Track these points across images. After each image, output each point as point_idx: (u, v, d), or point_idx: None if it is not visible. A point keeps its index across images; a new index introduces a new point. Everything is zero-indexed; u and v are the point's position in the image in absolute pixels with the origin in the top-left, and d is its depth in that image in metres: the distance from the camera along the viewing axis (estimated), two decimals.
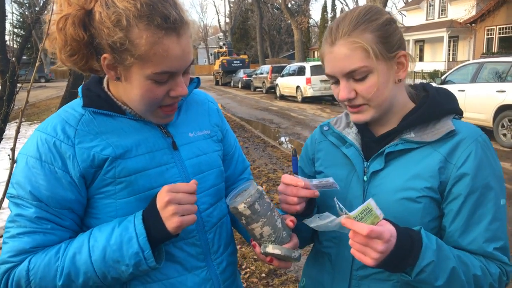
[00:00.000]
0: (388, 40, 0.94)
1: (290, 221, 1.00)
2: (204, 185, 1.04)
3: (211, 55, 46.37)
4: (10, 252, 0.89)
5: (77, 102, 1.01)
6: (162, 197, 0.89)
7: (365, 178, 1.01)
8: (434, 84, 1.11)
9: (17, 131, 0.55)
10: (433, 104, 1.00)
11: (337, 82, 0.99)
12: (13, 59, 2.21)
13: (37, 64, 0.62)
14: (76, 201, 0.93)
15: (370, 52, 0.92)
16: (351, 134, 1.09)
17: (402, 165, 0.97)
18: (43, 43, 0.74)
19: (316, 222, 0.91)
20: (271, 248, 0.96)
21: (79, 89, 1.02)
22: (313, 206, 1.06)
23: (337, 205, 0.86)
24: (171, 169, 0.99)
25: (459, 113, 1.02)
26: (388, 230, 0.81)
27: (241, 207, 0.92)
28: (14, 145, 0.56)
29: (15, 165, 0.96)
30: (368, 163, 1.02)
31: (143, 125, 0.99)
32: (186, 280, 1.00)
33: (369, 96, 0.95)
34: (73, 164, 0.91)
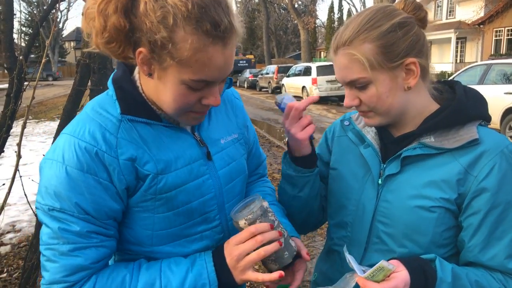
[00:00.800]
0: (391, 48, 0.89)
1: (306, 254, 0.99)
2: (233, 193, 1.03)
3: None
4: (64, 272, 0.83)
5: (109, 102, 0.91)
6: (230, 252, 0.89)
7: (379, 181, 0.99)
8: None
9: (23, 127, 0.55)
10: (458, 108, 0.93)
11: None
12: (21, 57, 2.23)
13: (43, 61, 0.62)
14: (120, 210, 0.90)
15: (368, 63, 0.89)
16: (370, 133, 1.06)
17: (419, 171, 0.94)
18: (48, 41, 0.73)
19: None
20: (274, 268, 0.95)
21: (109, 84, 0.94)
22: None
23: (347, 258, 0.86)
24: (207, 181, 0.96)
25: (486, 119, 0.96)
26: (402, 280, 0.81)
27: (242, 223, 0.90)
28: (20, 141, 0.56)
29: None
30: (385, 166, 0.99)
31: (179, 133, 0.95)
32: None
33: (372, 104, 0.94)
34: (118, 177, 0.87)
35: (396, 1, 1.00)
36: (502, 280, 0.89)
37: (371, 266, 0.87)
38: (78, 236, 0.84)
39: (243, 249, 0.88)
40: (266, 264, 0.96)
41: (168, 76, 0.82)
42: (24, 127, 0.51)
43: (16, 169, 0.50)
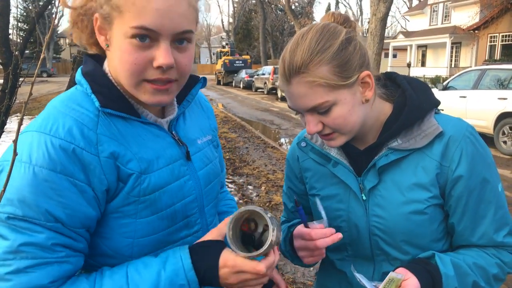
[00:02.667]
0: (346, 66, 0.87)
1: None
2: (212, 196, 1.00)
3: (213, 54, 46.39)
4: None
5: (82, 97, 0.85)
6: (227, 277, 0.82)
7: (363, 197, 0.97)
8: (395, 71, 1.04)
9: (20, 124, 0.54)
10: (413, 105, 0.94)
11: (301, 113, 0.94)
12: (16, 52, 2.21)
13: (41, 56, 0.61)
14: (96, 218, 0.81)
15: (328, 86, 0.86)
16: (333, 150, 1.02)
17: (398, 176, 0.94)
18: (48, 36, 0.72)
19: None
20: None
21: (80, 77, 0.87)
22: None
23: (357, 278, 0.88)
24: (188, 182, 0.91)
25: (437, 105, 0.97)
26: (414, 286, 0.84)
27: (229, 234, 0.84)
28: (16, 138, 0.55)
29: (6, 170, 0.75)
30: (362, 179, 0.98)
31: (157, 131, 0.90)
32: None
33: (338, 126, 0.91)
34: (99, 177, 0.79)
35: (322, 16, 0.98)
36: (496, 253, 0.94)
37: (381, 279, 0.88)
38: (40, 250, 0.72)
39: (245, 279, 0.82)
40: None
41: (114, 34, 0.80)
42: (20, 123, 0.51)
43: (12, 167, 0.50)
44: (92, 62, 0.89)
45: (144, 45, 0.78)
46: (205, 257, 0.83)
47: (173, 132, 0.94)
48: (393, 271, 0.88)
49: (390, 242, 0.96)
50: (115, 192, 0.82)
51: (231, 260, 0.81)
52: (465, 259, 0.91)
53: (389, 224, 0.94)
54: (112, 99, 0.84)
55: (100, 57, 0.92)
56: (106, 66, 0.90)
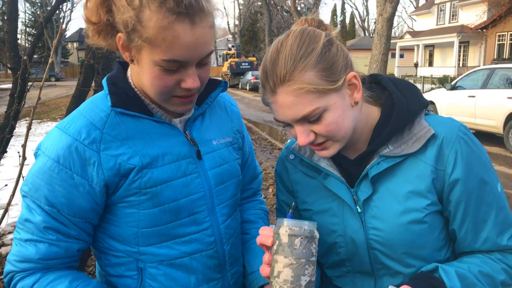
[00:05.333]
0: (332, 69, 0.83)
1: None
2: (224, 196, 1.01)
3: (219, 57, 46.57)
4: (16, 256, 0.89)
5: (102, 98, 0.94)
6: None
7: (358, 209, 0.92)
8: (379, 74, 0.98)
9: (29, 128, 0.55)
10: (402, 109, 0.90)
11: (290, 125, 0.89)
12: (25, 57, 2.23)
13: (50, 60, 0.61)
14: (91, 210, 0.90)
15: (317, 92, 0.82)
16: (323, 161, 0.97)
17: (393, 184, 0.90)
18: (56, 40, 0.73)
19: None
20: None
21: (104, 81, 0.96)
22: None
23: None
24: (196, 179, 0.95)
25: (427, 106, 0.93)
26: None
27: (283, 231, 0.80)
28: (25, 142, 0.56)
29: (28, 160, 0.92)
30: (355, 190, 0.93)
31: (169, 130, 0.95)
32: None
33: (331, 133, 0.86)
34: (97, 172, 0.87)
35: (296, 22, 0.95)
36: (501, 258, 0.89)
37: None
38: (36, 229, 0.87)
39: None
40: (272, 287, 0.82)
41: (143, 59, 0.83)
42: (29, 128, 0.51)
43: (21, 171, 0.50)
44: (118, 67, 0.98)
45: (173, 70, 0.84)
46: None
47: (187, 132, 0.98)
48: (395, 286, 0.84)
49: (390, 255, 0.91)
50: (118, 185, 0.90)
51: None
52: (470, 268, 0.87)
53: (388, 237, 0.89)
54: (125, 99, 0.91)
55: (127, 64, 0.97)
56: (129, 71, 0.97)
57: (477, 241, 0.89)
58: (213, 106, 1.08)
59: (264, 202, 1.29)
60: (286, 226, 0.80)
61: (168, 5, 0.77)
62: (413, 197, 0.88)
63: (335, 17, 54.60)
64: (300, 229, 0.79)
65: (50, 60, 0.60)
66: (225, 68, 32.43)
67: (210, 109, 1.07)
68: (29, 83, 2.23)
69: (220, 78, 1.05)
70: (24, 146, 0.54)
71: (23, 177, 1.69)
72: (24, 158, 0.52)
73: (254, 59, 31.69)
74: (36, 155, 0.91)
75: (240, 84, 28.67)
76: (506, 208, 0.91)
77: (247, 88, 26.46)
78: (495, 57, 21.20)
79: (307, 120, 0.85)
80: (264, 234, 0.85)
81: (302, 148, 1.01)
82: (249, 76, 26.71)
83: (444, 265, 0.87)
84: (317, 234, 0.82)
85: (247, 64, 30.06)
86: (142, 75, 0.87)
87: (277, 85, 0.83)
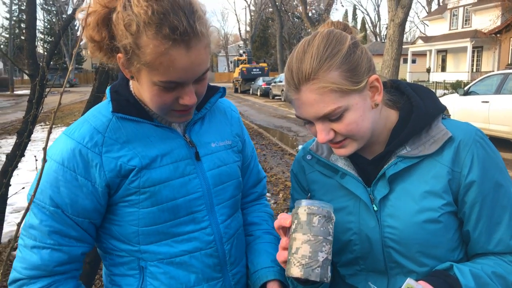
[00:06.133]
0: (356, 70, 0.86)
1: None
2: (223, 196, 1.05)
3: (231, 62, 46.76)
4: (22, 263, 0.91)
5: (105, 105, 1.00)
6: None
7: (374, 207, 0.94)
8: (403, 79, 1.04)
9: (49, 132, 0.58)
10: (421, 113, 0.93)
11: (311, 122, 0.92)
12: (43, 64, 2.30)
13: (70, 69, 0.65)
14: (94, 210, 0.94)
15: (340, 91, 0.85)
16: (340, 161, 1.00)
17: (409, 184, 0.92)
18: (76, 48, 0.76)
19: None
20: (296, 271, 0.82)
21: (107, 90, 1.02)
22: None
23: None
24: (194, 180, 0.99)
25: (444, 110, 0.96)
26: None
27: (301, 210, 0.84)
28: (46, 145, 0.59)
29: (37, 164, 0.94)
30: (371, 189, 0.95)
31: (169, 133, 1.00)
32: None
33: (351, 132, 0.89)
34: (100, 173, 0.92)
35: (321, 25, 0.97)
36: None
37: None
38: (39, 234, 0.90)
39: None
40: (290, 263, 0.84)
41: (142, 78, 0.88)
42: (50, 132, 0.55)
43: (41, 174, 0.54)
44: (121, 76, 1.02)
45: (171, 88, 0.88)
46: None
47: (186, 135, 1.02)
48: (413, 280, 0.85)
49: (404, 254, 0.92)
50: (119, 186, 0.94)
51: None
52: (484, 268, 0.88)
53: (403, 235, 0.91)
54: (125, 105, 0.97)
55: None
56: (131, 80, 1.01)
57: (490, 243, 0.91)
58: (212, 110, 1.12)
59: (269, 206, 1.31)
60: (305, 205, 0.84)
61: (164, 31, 0.80)
62: (429, 196, 0.90)
63: None
64: (318, 208, 0.83)
65: (70, 68, 0.63)
66: (236, 74, 32.61)
67: (210, 114, 1.11)
68: (47, 89, 2.29)
69: (219, 85, 1.08)
70: (45, 149, 0.57)
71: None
72: (44, 161, 0.55)
73: (265, 65, 31.83)
74: (49, 160, 0.95)
75: (251, 89, 28.78)
76: None
77: (258, 93, 26.54)
78: (509, 62, 20.89)
79: (328, 118, 0.88)
80: (283, 217, 0.88)
81: (319, 149, 1.05)
82: (260, 81, 26.80)
83: (459, 264, 0.89)
84: (333, 216, 0.86)
85: (258, 70, 30.18)
86: (142, 91, 0.92)
87: (301, 82, 0.86)
